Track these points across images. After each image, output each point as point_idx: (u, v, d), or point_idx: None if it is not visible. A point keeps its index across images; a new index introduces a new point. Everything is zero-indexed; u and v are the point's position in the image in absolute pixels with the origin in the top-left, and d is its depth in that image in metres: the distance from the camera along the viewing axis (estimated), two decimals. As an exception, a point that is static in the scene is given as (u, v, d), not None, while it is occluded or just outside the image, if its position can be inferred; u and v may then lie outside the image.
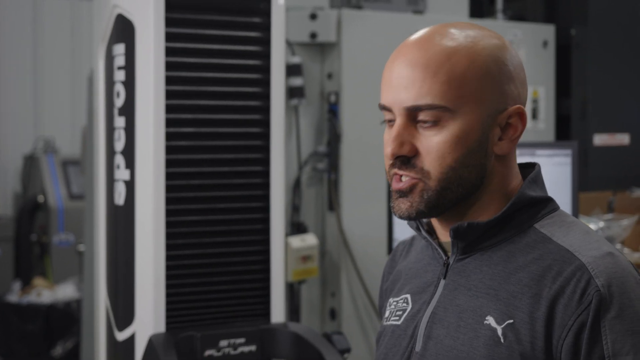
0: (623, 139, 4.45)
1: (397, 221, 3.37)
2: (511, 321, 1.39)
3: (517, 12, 4.62)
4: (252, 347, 2.49)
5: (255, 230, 2.56)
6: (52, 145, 6.90)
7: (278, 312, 2.60)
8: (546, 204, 1.48)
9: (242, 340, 2.47)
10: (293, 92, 3.74)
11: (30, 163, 6.86)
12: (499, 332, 1.40)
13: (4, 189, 7.09)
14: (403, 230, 3.34)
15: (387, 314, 1.62)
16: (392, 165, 1.45)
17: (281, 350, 2.51)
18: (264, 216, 2.56)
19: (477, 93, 1.42)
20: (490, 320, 1.41)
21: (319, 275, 3.80)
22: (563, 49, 4.47)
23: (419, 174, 1.43)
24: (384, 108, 1.46)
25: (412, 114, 1.43)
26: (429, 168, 1.43)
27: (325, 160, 3.85)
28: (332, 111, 3.83)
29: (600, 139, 4.41)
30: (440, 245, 1.52)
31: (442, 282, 1.50)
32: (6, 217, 6.86)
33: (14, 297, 5.70)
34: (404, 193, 1.45)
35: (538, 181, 1.49)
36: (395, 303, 1.60)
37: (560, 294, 1.37)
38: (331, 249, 3.87)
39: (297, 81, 3.75)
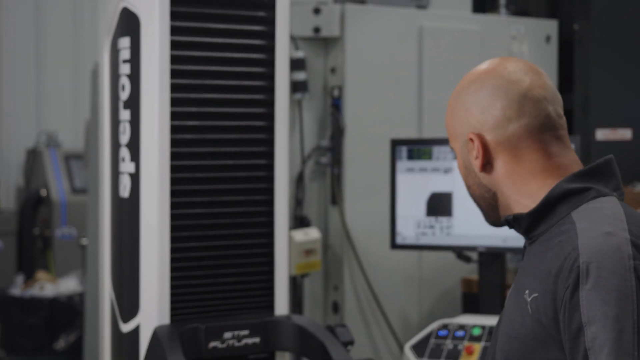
0: (625, 134, 4.46)
1: (399, 215, 3.38)
2: (536, 294, 1.65)
3: (520, 7, 4.62)
4: (256, 339, 2.50)
5: (259, 223, 2.57)
6: (54, 139, 6.91)
7: (282, 305, 2.61)
8: (586, 194, 1.70)
9: (246, 332, 2.49)
10: (296, 87, 3.75)
11: (33, 157, 6.88)
12: (528, 304, 1.66)
13: (6, 183, 7.10)
14: (405, 224, 3.36)
15: None
16: None
17: (285, 342, 2.52)
18: (268, 209, 2.57)
19: (451, 130, 1.83)
20: (526, 294, 1.68)
21: (321, 268, 3.81)
22: (566, 44, 4.47)
23: None
24: None
25: None
26: None
27: (328, 155, 3.86)
28: (335, 105, 3.84)
29: (602, 134, 4.41)
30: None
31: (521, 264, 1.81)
32: (9, 211, 6.87)
33: (16, 290, 5.72)
34: None
35: (594, 173, 1.73)
36: None
37: (560, 271, 1.60)
38: (334, 243, 3.88)
39: (300, 75, 3.76)
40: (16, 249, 6.60)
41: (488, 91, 1.75)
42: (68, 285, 5.76)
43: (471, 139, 1.76)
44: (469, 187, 1.84)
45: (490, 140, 1.75)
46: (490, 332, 3.07)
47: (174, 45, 2.42)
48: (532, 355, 1.66)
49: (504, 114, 1.73)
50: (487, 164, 1.77)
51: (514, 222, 1.76)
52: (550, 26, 4.44)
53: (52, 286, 5.73)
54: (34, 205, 6.62)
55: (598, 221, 1.64)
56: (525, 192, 1.75)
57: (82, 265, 6.02)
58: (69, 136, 7.23)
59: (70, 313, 5.59)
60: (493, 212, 1.82)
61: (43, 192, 6.62)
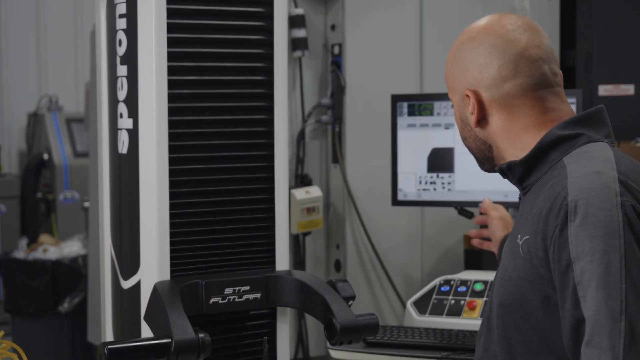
0: (628, 89, 4.43)
1: (401, 172, 3.36)
2: (527, 237, 1.71)
3: (522, -37, 4.57)
4: (257, 295, 2.50)
5: (259, 179, 2.55)
6: (56, 103, 6.90)
7: (283, 262, 2.60)
8: (577, 140, 1.76)
9: (246, 287, 2.48)
10: (296, 44, 3.73)
11: (35, 121, 6.87)
12: (520, 247, 1.73)
13: (8, 147, 7.11)
14: (407, 181, 3.34)
15: None
16: None
17: (286, 297, 2.51)
18: (268, 164, 2.56)
19: (449, 83, 1.92)
20: (518, 239, 1.74)
21: (323, 227, 3.81)
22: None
23: None
24: None
25: None
26: None
27: (329, 113, 3.84)
28: (336, 63, 3.81)
29: (604, 90, 4.38)
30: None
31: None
32: (12, 175, 6.88)
33: (20, 254, 5.73)
34: None
35: (585, 121, 1.79)
36: None
37: (550, 211, 1.66)
38: (336, 201, 3.88)
39: (300, 33, 3.73)
40: (19, 212, 6.62)
41: (486, 50, 1.82)
42: (71, 248, 5.77)
43: (467, 95, 1.84)
44: (464, 139, 1.93)
45: (486, 98, 1.83)
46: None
47: (171, -2, 2.39)
48: (524, 296, 1.71)
49: (500, 73, 1.81)
50: (482, 120, 1.86)
51: (508, 170, 1.83)
52: (552, -19, 4.41)
53: (55, 249, 5.74)
54: (36, 169, 6.63)
55: (587, 162, 1.69)
56: (519, 146, 1.81)
57: (85, 228, 6.04)
58: (70, 100, 7.23)
59: (73, 276, 5.60)
60: (488, 162, 1.92)
61: (45, 156, 6.63)
